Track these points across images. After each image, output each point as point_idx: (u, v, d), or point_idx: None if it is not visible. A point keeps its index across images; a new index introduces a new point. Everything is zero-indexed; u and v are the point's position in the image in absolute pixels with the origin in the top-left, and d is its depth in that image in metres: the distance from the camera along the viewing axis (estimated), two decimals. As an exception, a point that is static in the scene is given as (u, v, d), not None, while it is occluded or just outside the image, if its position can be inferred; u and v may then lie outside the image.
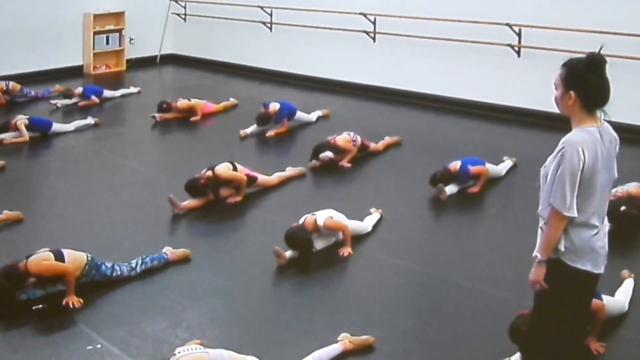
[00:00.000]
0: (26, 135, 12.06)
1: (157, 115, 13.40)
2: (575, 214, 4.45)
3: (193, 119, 13.46)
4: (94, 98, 14.68)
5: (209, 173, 9.29)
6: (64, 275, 6.83)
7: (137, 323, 6.51)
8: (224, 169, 9.41)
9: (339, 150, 10.70)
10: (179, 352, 5.31)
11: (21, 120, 12.25)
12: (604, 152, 4.52)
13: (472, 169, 9.61)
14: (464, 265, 7.72)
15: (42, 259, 6.81)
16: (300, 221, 7.92)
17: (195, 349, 5.42)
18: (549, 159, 4.56)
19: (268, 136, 12.32)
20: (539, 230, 4.67)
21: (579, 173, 4.41)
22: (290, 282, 7.46)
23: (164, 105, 13.55)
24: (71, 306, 6.74)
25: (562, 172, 4.43)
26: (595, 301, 5.74)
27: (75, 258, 6.96)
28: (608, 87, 4.50)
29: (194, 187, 9.24)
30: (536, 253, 4.63)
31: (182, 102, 13.66)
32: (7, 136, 12.11)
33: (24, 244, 7.71)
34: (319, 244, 7.92)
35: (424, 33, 14.15)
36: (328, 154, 10.55)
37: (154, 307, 6.82)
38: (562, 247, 4.53)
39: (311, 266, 7.66)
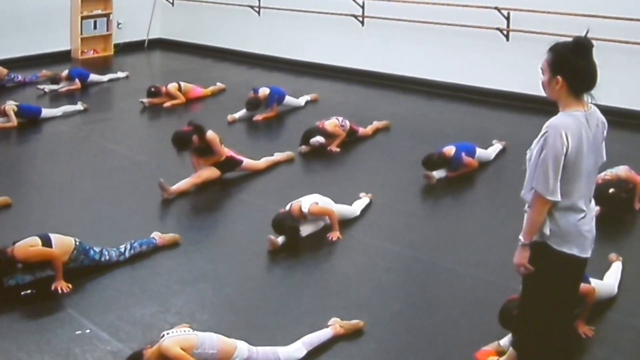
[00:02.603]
0: (14, 120, 12.01)
1: (145, 100, 13.37)
2: (559, 198, 4.45)
3: (173, 102, 13.48)
4: (77, 82, 14.65)
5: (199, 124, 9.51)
6: (51, 261, 6.82)
7: (126, 308, 6.50)
8: (211, 132, 9.50)
9: (328, 135, 10.70)
10: (167, 334, 5.33)
11: (10, 105, 12.21)
12: (590, 136, 4.50)
13: (465, 158, 9.62)
14: (453, 249, 7.73)
15: (28, 244, 6.79)
16: (287, 207, 7.92)
17: (185, 331, 5.44)
18: (534, 142, 4.56)
19: (256, 121, 12.31)
20: (525, 214, 4.67)
21: (562, 157, 4.40)
22: (279, 267, 7.46)
23: (153, 89, 13.53)
24: (60, 291, 6.74)
25: (545, 156, 4.42)
26: (585, 285, 5.76)
27: (63, 243, 6.95)
28: (595, 71, 4.48)
29: (178, 137, 9.38)
30: (520, 236, 4.64)
31: (172, 86, 13.64)
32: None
33: (12, 230, 7.70)
34: (307, 229, 7.92)
35: (412, 17, 14.13)
36: (319, 139, 10.54)
37: (143, 292, 6.82)
38: (547, 231, 4.53)
39: (300, 251, 7.67)
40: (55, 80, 14.70)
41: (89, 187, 9.44)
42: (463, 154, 9.62)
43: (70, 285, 6.80)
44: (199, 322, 6.18)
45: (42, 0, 17.04)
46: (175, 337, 5.30)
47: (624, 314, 6.36)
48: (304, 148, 10.58)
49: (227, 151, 9.61)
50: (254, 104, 12.45)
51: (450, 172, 9.58)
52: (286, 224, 7.72)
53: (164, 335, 5.34)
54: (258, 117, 12.36)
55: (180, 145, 9.38)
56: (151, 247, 7.57)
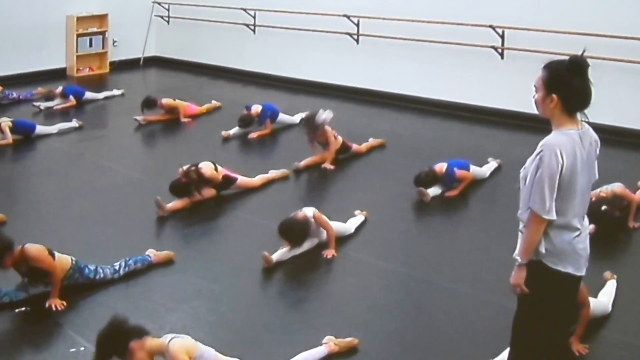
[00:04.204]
0: (10, 137, 12.01)
1: (140, 118, 13.38)
2: (554, 217, 4.46)
3: (181, 117, 13.57)
4: (72, 99, 14.68)
5: (192, 169, 9.31)
6: (51, 273, 6.81)
7: (121, 326, 6.49)
8: (207, 166, 9.43)
9: (324, 141, 10.88)
10: (171, 336, 5.34)
11: (5, 122, 12.21)
12: (584, 155, 4.51)
13: (458, 172, 9.64)
14: (447, 267, 7.73)
15: (40, 248, 6.82)
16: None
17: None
18: (528, 160, 4.56)
19: (250, 138, 12.31)
20: (519, 234, 4.67)
21: (558, 176, 4.41)
22: (274, 284, 7.45)
23: (150, 100, 13.55)
24: (54, 309, 6.72)
25: (540, 175, 4.42)
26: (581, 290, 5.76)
27: (61, 260, 6.96)
28: (590, 90, 4.48)
29: (177, 188, 9.25)
30: (516, 256, 4.63)
31: (167, 101, 13.69)
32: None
33: (7, 247, 7.68)
34: (302, 247, 7.92)
35: (407, 35, 14.18)
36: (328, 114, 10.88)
37: (137, 309, 6.79)
38: (542, 249, 4.53)
39: (295, 268, 7.66)
40: (49, 97, 14.72)
41: (84, 205, 9.43)
42: (455, 169, 9.64)
43: (64, 303, 6.79)
44: (193, 339, 6.15)
45: (37, 17, 17.09)
46: (183, 342, 5.31)
47: (618, 332, 6.36)
48: (302, 165, 10.59)
49: (221, 170, 9.60)
50: (247, 121, 12.49)
51: (445, 188, 9.60)
52: (298, 227, 7.76)
53: (167, 337, 5.33)
54: (252, 135, 12.37)
55: (182, 195, 9.35)
56: (146, 264, 7.57)
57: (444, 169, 9.61)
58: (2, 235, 6.88)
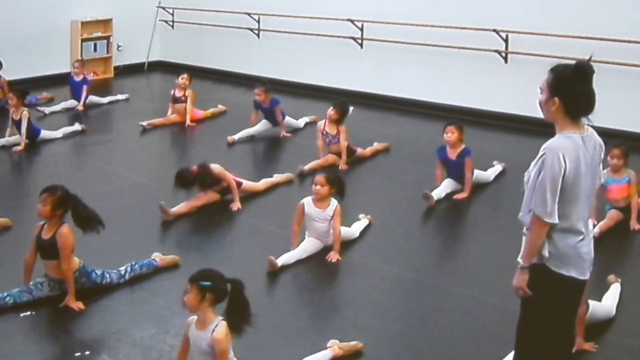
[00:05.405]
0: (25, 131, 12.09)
1: (144, 122, 13.38)
2: (556, 220, 4.46)
3: (187, 121, 13.59)
4: (85, 87, 14.95)
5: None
6: (67, 260, 6.88)
7: (126, 330, 6.50)
8: (216, 165, 9.44)
9: (335, 138, 11.01)
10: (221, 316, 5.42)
11: (25, 113, 12.22)
12: (587, 159, 4.52)
13: (467, 160, 9.69)
14: (452, 270, 7.75)
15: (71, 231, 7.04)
16: None
17: None
18: (532, 164, 4.58)
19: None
20: (523, 237, 4.68)
21: (560, 179, 4.42)
22: (278, 288, 7.46)
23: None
24: (76, 308, 6.76)
25: (542, 178, 4.44)
26: None
27: (73, 260, 6.99)
28: (594, 96, 4.50)
29: (184, 177, 9.21)
30: (519, 259, 4.64)
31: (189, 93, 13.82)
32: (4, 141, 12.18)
33: (12, 251, 7.70)
34: (307, 250, 7.93)
35: (411, 39, 14.19)
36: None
37: (143, 313, 6.81)
38: (546, 253, 4.54)
39: (299, 272, 7.67)
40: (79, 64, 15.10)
41: (89, 209, 9.44)
42: (467, 157, 9.71)
43: (81, 306, 6.83)
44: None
45: (42, 22, 17.11)
46: (227, 330, 5.35)
47: (623, 335, 6.36)
48: (306, 169, 10.60)
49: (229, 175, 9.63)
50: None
51: (453, 171, 9.78)
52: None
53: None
54: (283, 134, 12.66)
55: (185, 186, 9.28)
56: (151, 268, 7.58)
57: (462, 148, 9.79)
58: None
